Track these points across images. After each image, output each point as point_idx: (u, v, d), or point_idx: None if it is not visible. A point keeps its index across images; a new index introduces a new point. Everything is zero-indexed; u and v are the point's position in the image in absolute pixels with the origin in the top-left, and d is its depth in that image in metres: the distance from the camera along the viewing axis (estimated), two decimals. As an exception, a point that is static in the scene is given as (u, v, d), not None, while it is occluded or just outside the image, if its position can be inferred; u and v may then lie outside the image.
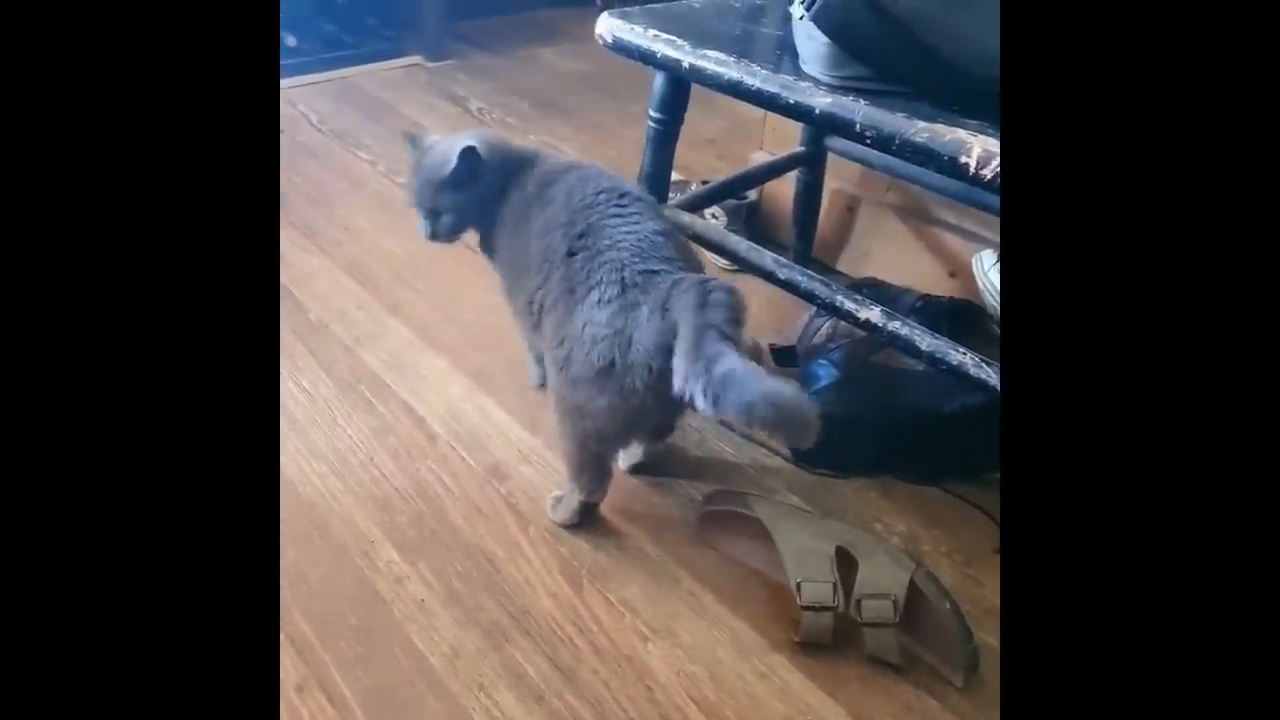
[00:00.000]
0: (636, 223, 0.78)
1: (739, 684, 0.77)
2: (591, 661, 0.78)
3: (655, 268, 0.74)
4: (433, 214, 0.90)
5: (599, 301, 0.74)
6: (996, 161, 0.61)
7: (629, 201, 0.80)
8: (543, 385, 1.02)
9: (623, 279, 0.74)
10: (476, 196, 0.89)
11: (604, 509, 0.93)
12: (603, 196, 0.80)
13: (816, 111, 0.71)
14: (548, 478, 0.97)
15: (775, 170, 1.20)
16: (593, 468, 0.86)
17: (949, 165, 0.64)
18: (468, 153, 0.85)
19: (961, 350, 0.76)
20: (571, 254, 0.78)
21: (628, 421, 0.79)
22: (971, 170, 0.62)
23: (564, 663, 0.78)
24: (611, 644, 0.80)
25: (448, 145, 0.89)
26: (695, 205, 1.05)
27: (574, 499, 0.89)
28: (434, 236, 0.91)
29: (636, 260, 0.74)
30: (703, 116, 1.78)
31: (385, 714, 0.73)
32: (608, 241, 0.76)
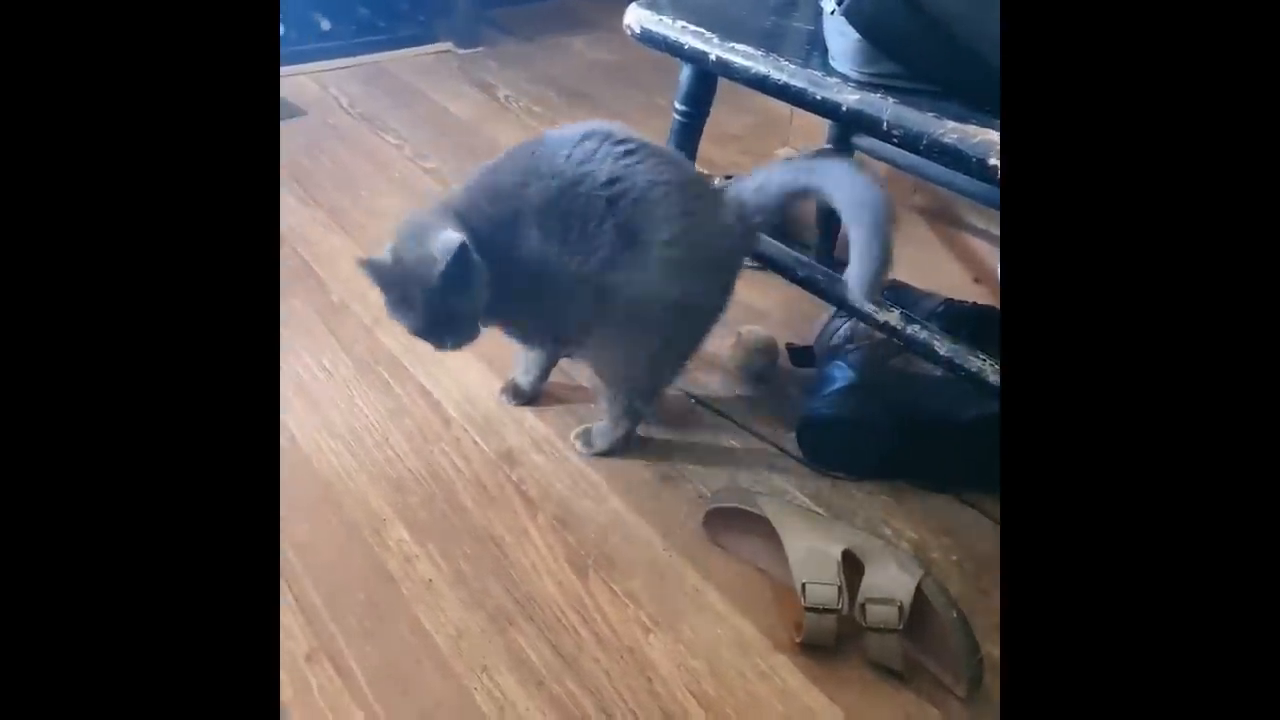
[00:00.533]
0: (642, 161, 0.80)
1: (739, 682, 0.77)
2: (593, 650, 0.79)
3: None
4: (433, 327, 0.80)
5: (678, 214, 0.78)
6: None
7: (627, 142, 0.81)
8: (529, 401, 1.04)
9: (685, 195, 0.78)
10: (479, 284, 0.79)
11: (612, 500, 0.94)
12: (592, 144, 0.80)
13: (844, 108, 0.71)
14: (559, 465, 0.97)
15: (801, 168, 1.19)
16: (660, 386, 0.94)
17: (977, 167, 0.63)
18: (460, 253, 0.74)
19: (980, 356, 0.75)
20: (612, 201, 0.78)
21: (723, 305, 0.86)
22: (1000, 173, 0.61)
23: (566, 650, 0.78)
24: (614, 634, 0.80)
25: (427, 243, 0.76)
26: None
27: (623, 426, 0.94)
28: (444, 347, 0.83)
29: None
30: (730, 112, 1.76)
31: (390, 688, 0.74)
32: (644, 180, 0.78)
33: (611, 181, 0.78)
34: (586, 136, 0.80)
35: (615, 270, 0.81)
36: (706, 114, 0.96)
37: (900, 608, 0.73)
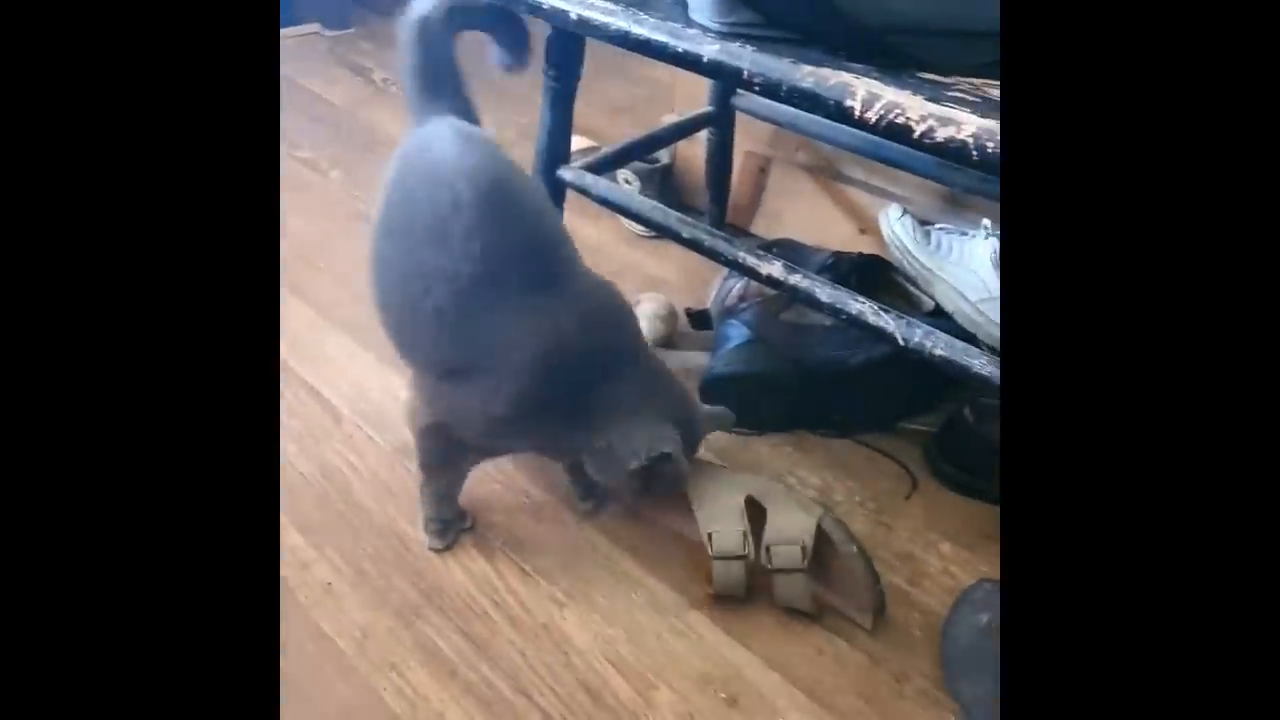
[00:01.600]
0: None
1: (656, 643, 0.77)
2: (506, 632, 0.77)
3: None
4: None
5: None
6: (879, 104, 0.61)
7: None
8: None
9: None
10: None
11: (518, 481, 0.92)
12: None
13: (705, 59, 0.70)
14: (460, 452, 0.95)
15: (683, 130, 1.18)
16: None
17: (835, 109, 0.63)
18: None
19: (860, 300, 0.77)
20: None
21: None
22: (856, 113, 0.62)
23: (478, 635, 0.76)
24: (527, 613, 0.79)
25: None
26: (602, 168, 1.03)
27: None
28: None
29: None
30: (617, 84, 1.75)
31: (292, 706, 0.70)
32: None
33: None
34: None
35: None
36: (577, 76, 0.94)
37: (803, 547, 0.74)
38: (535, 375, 0.69)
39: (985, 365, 0.71)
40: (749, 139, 1.29)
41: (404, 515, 0.87)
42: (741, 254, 0.83)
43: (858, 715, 0.72)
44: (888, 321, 0.75)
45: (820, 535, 0.75)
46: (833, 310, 0.78)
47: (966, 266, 0.99)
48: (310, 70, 1.85)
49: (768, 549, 0.75)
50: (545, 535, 0.86)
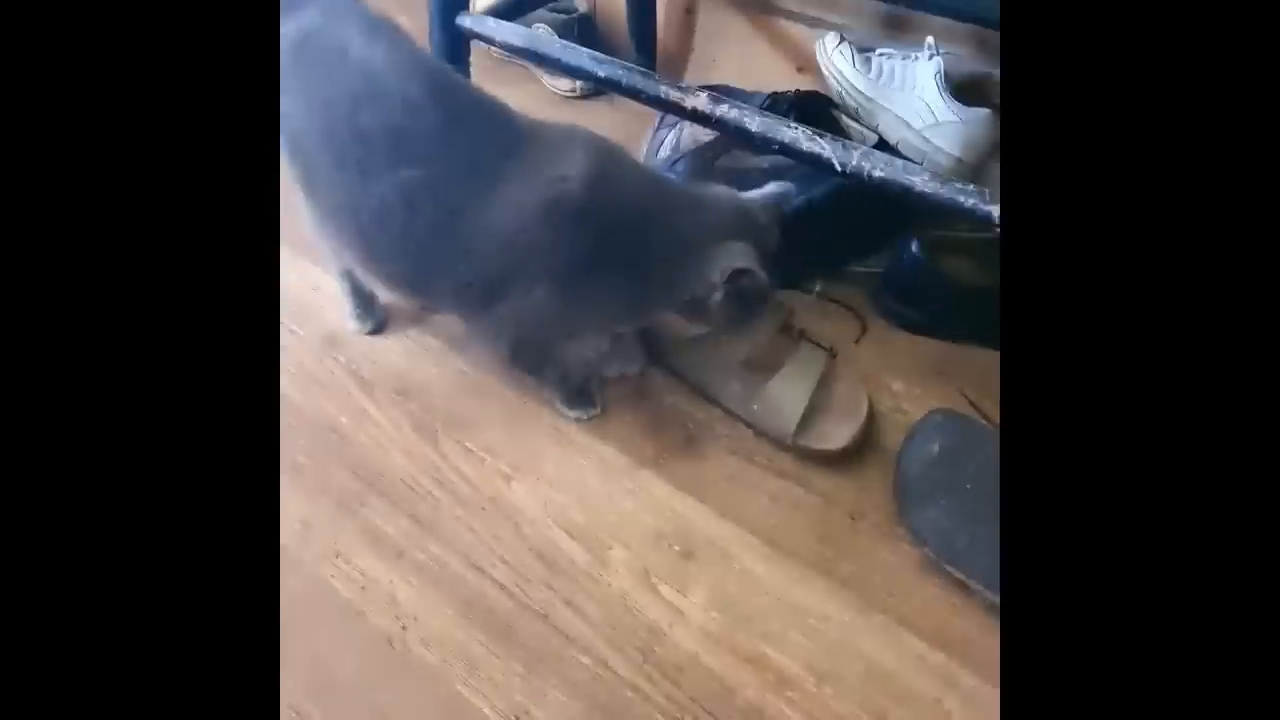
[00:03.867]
0: None
1: (608, 504, 0.75)
2: (453, 510, 0.75)
3: None
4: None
5: None
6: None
7: None
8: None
9: None
10: None
11: (456, 361, 0.87)
12: None
13: None
14: (390, 338, 0.90)
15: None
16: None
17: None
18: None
19: (792, 126, 0.71)
20: None
21: None
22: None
23: (424, 516, 0.74)
24: (473, 490, 0.76)
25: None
26: (508, 13, 0.93)
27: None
28: None
29: None
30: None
31: (234, 600, 0.68)
32: None
33: None
34: None
35: None
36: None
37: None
38: (565, 246, 0.64)
39: (927, 182, 0.66)
40: (674, -23, 1.18)
41: (336, 406, 0.83)
42: (663, 89, 0.76)
43: (812, 554, 0.72)
44: (823, 147, 0.70)
45: None
46: (764, 140, 0.72)
47: (911, 92, 0.93)
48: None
49: None
50: (487, 411, 0.83)
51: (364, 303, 0.87)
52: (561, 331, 0.74)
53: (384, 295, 0.88)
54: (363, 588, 0.69)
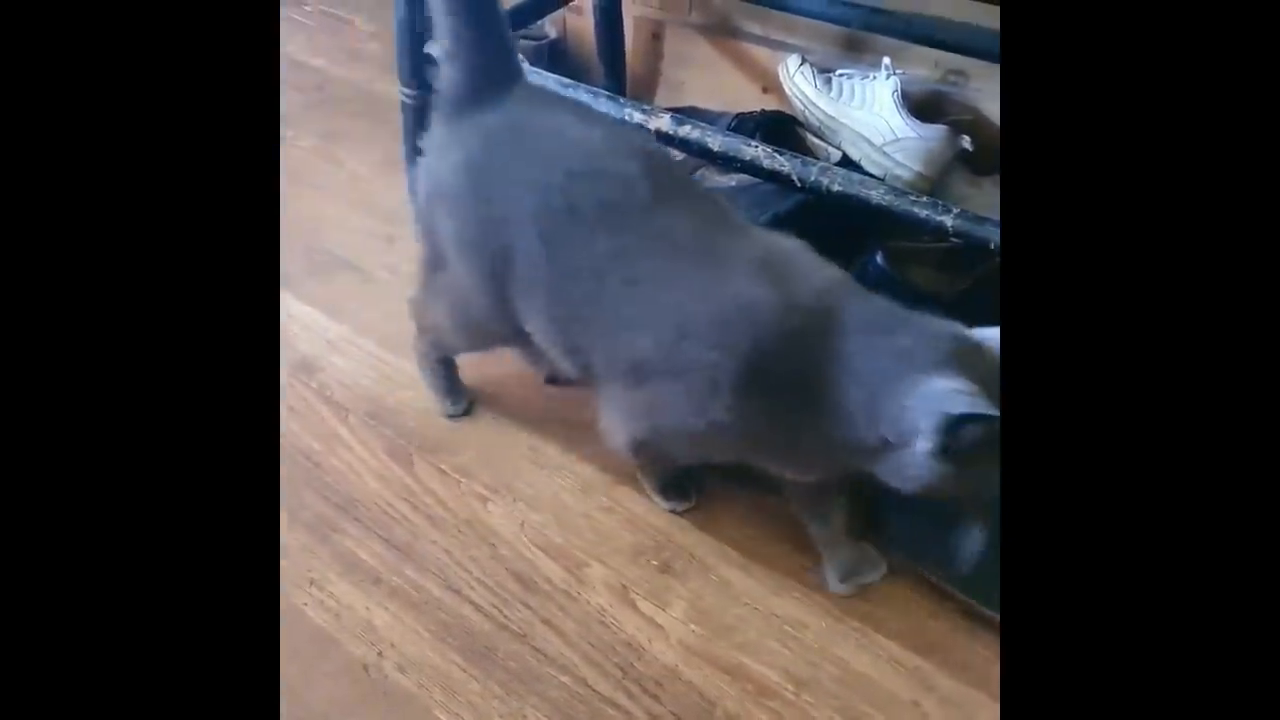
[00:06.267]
0: None
1: (585, 523, 0.75)
2: (429, 534, 0.74)
3: None
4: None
5: None
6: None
7: None
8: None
9: None
10: None
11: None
12: None
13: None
14: (363, 363, 0.90)
15: (558, -5, 1.09)
16: None
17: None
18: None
19: (753, 144, 0.73)
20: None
21: None
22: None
23: (400, 540, 0.74)
24: (449, 512, 0.76)
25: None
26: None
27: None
28: None
29: None
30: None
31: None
32: None
33: None
34: None
35: None
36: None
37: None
38: (738, 359, 0.56)
39: (884, 195, 0.68)
40: (638, 3, 1.21)
41: (310, 432, 0.83)
42: (628, 109, 0.77)
43: (787, 560, 0.72)
44: (783, 163, 0.72)
45: None
46: (726, 159, 0.74)
47: (870, 110, 0.95)
48: None
49: None
50: (462, 433, 0.83)
51: (454, 388, 0.84)
52: (699, 443, 0.66)
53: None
54: (337, 615, 0.69)
